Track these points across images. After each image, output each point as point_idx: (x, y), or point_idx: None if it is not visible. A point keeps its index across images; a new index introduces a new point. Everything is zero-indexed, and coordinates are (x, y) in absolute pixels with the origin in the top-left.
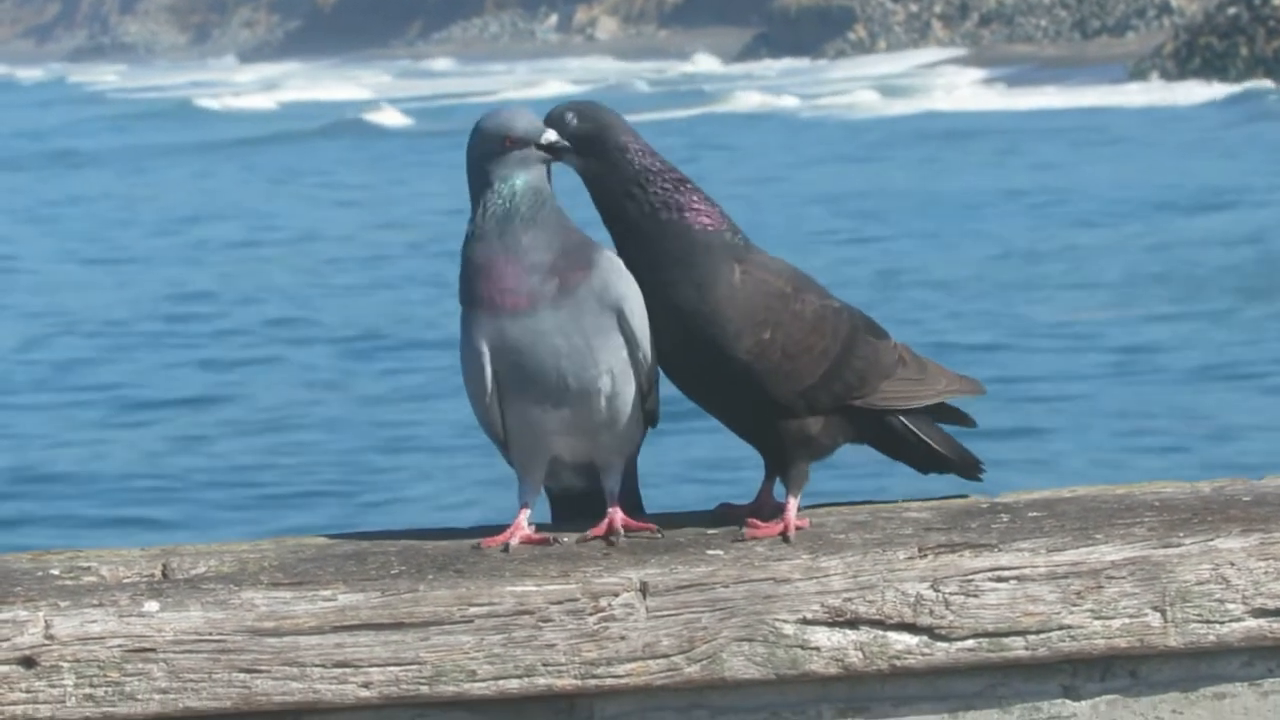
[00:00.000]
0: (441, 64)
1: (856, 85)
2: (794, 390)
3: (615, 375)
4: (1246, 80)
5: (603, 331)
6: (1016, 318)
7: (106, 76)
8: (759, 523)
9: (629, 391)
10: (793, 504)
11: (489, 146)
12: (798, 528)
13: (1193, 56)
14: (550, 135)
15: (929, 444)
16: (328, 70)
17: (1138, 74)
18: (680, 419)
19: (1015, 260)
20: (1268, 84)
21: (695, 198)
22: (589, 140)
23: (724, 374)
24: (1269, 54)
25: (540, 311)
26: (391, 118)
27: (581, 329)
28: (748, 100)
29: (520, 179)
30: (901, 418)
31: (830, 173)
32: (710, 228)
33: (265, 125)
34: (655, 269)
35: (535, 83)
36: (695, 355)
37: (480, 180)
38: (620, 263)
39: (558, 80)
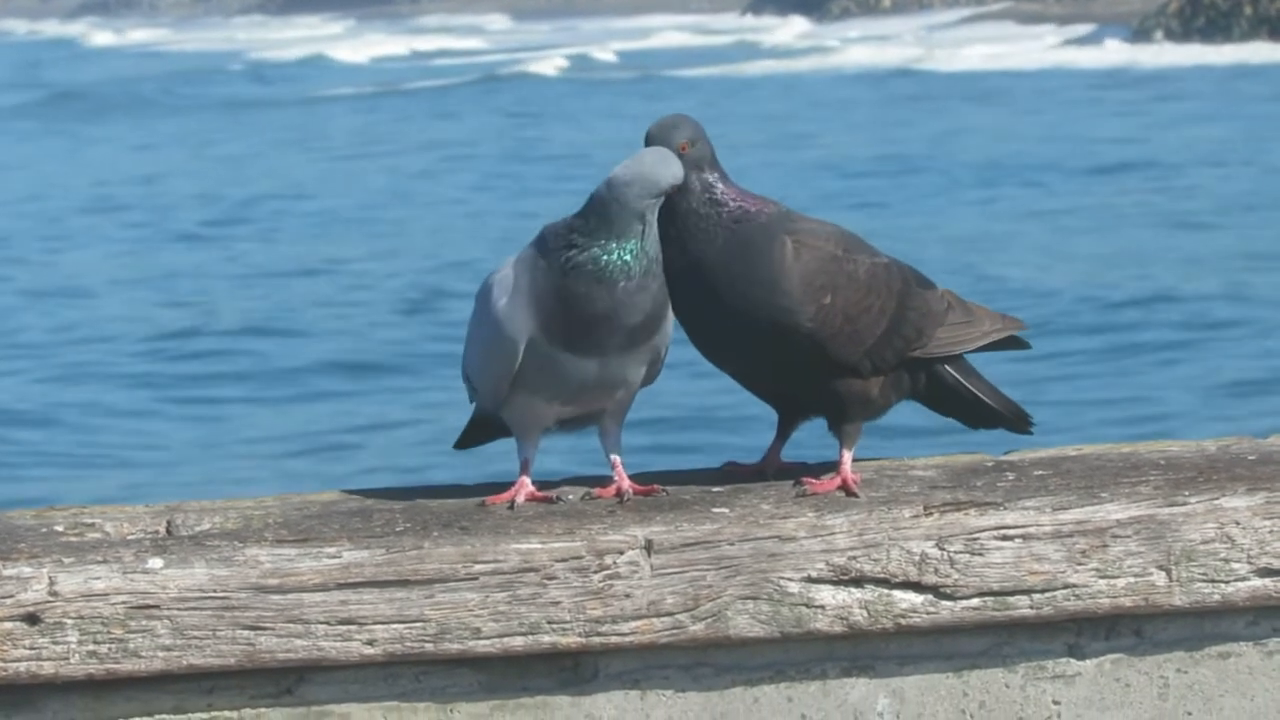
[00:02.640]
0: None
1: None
2: (858, 351)
3: (633, 385)
4: (1250, 40)
5: (639, 364)
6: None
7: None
8: (815, 480)
9: (637, 386)
10: (847, 459)
11: (653, 198)
12: (854, 482)
13: (1197, 15)
14: (681, 177)
15: (979, 396)
16: (371, 25)
17: (1141, 32)
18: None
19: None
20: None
21: (752, 199)
22: (694, 166)
23: (786, 346)
24: (1273, 13)
25: (597, 357)
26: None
27: (623, 368)
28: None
29: (657, 232)
30: (952, 370)
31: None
32: (765, 221)
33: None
34: (718, 269)
35: (520, 49)
36: (753, 334)
37: (632, 226)
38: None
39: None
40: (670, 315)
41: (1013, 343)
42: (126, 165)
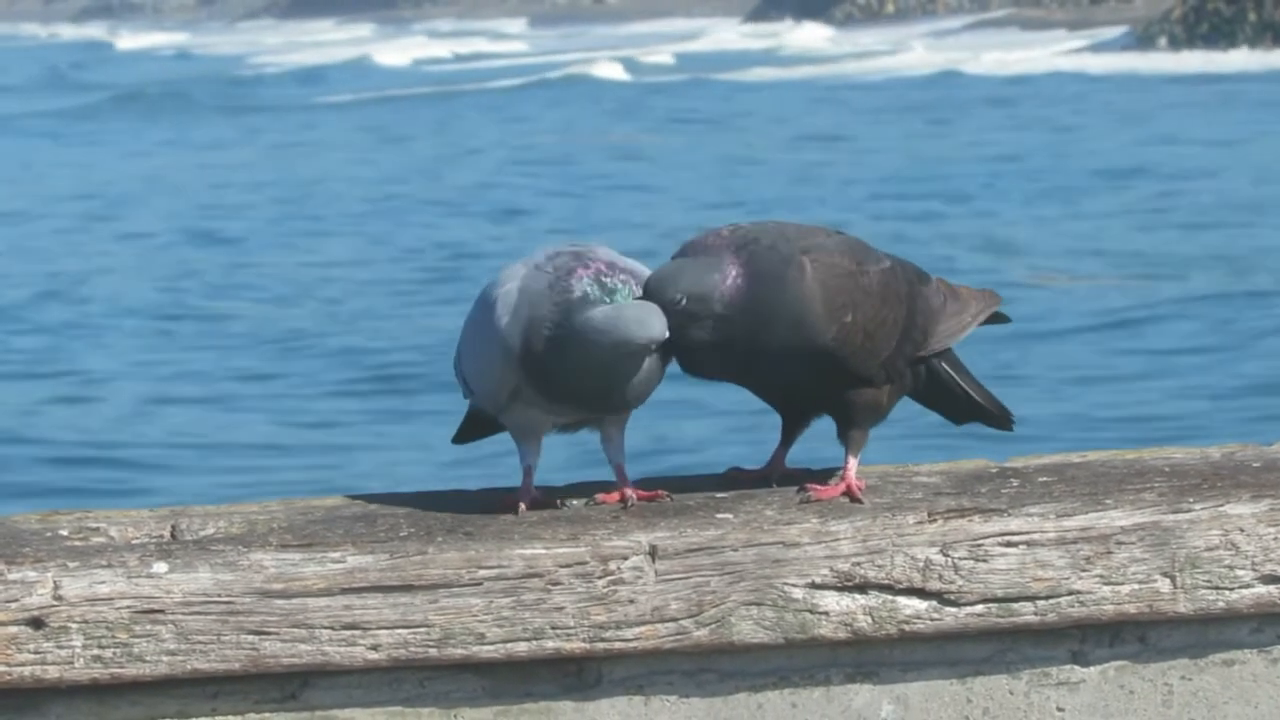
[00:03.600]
0: (515, 26)
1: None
2: (875, 363)
3: (640, 401)
4: (1255, 46)
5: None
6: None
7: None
8: (820, 486)
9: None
10: (853, 465)
11: (621, 352)
12: (859, 488)
13: (1201, 21)
14: (663, 337)
15: (968, 391)
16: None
17: (1145, 39)
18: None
19: None
20: None
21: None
22: (690, 316)
23: (804, 366)
24: (1278, 18)
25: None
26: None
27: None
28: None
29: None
30: (945, 366)
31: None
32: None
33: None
34: (736, 322)
35: (558, 51)
36: (768, 357)
37: (589, 364)
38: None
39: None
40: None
41: (995, 318)
42: (263, 165)
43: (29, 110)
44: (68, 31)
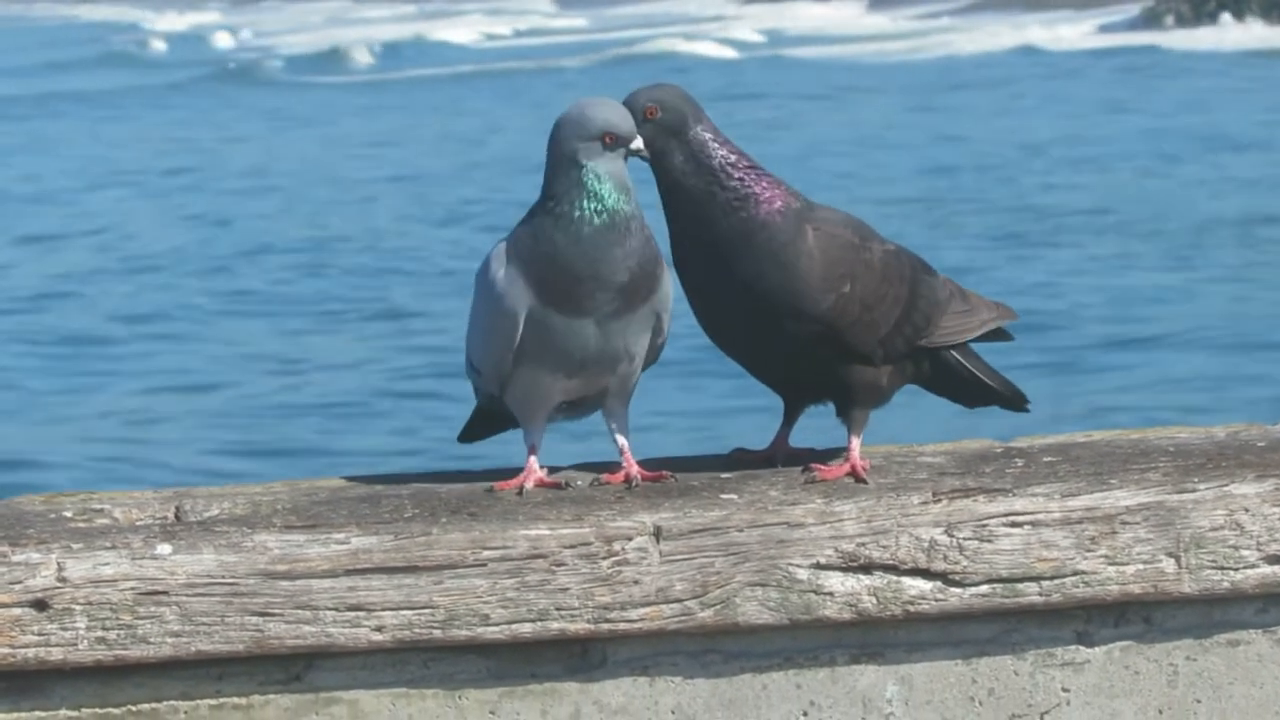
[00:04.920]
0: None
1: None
2: (873, 340)
3: (636, 357)
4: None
5: (641, 333)
6: None
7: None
8: (824, 466)
9: (641, 361)
10: (856, 445)
11: (586, 142)
12: (864, 468)
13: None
14: (639, 143)
15: (979, 377)
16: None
17: (1152, 17)
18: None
19: None
20: None
21: (765, 183)
22: (670, 132)
23: (802, 333)
24: None
25: (592, 317)
26: None
27: (623, 334)
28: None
29: (617, 185)
30: (955, 354)
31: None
32: (781, 208)
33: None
34: (729, 255)
35: (625, 28)
36: (772, 321)
37: (570, 173)
38: (668, 274)
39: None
40: (668, 280)
41: (999, 334)
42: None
43: (116, 86)
44: (102, 11)
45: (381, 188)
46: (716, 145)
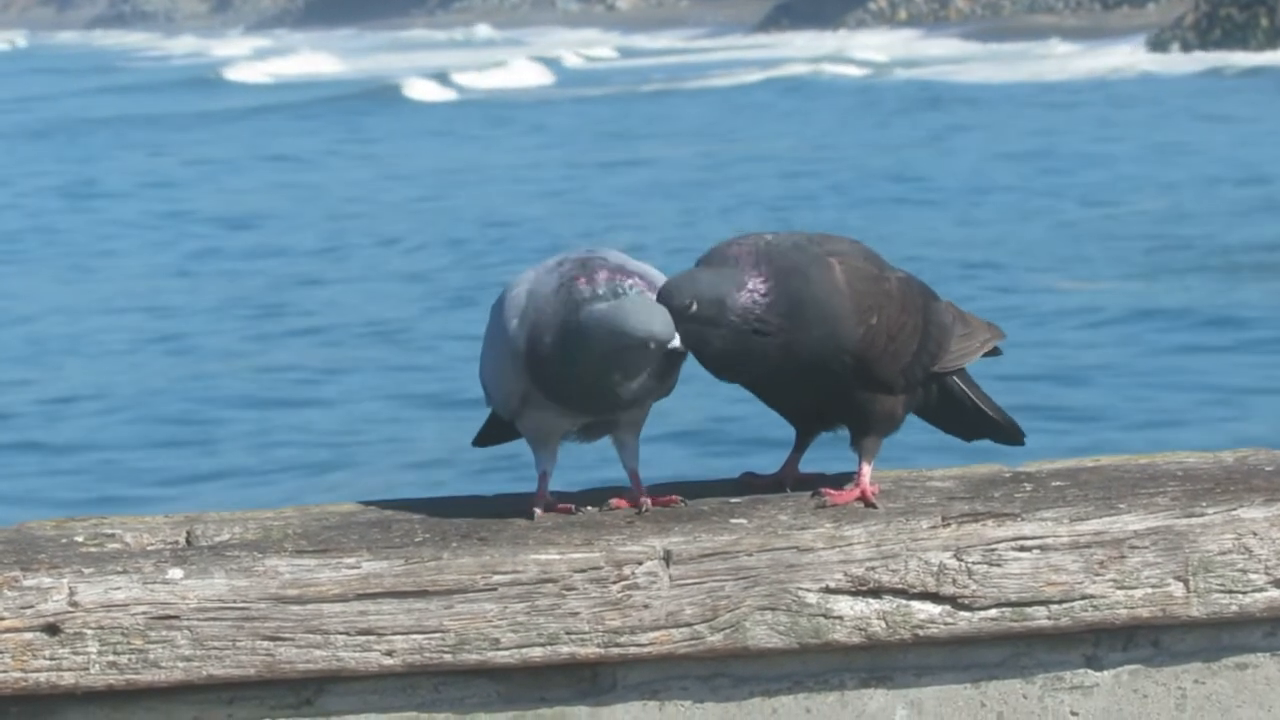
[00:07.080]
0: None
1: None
2: (896, 369)
3: (646, 404)
4: (1267, 51)
5: (649, 394)
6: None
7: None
8: (834, 491)
9: (652, 403)
10: (867, 471)
11: (620, 345)
12: (873, 493)
13: (1213, 28)
14: (676, 342)
15: (980, 407)
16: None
17: (1158, 45)
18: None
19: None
20: None
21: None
22: (708, 323)
23: (835, 368)
24: None
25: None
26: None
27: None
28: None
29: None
30: (959, 382)
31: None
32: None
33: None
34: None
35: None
36: (801, 360)
37: (591, 361)
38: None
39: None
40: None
41: (992, 352)
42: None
43: (208, 110)
44: (102, 39)
45: None
46: (747, 309)
